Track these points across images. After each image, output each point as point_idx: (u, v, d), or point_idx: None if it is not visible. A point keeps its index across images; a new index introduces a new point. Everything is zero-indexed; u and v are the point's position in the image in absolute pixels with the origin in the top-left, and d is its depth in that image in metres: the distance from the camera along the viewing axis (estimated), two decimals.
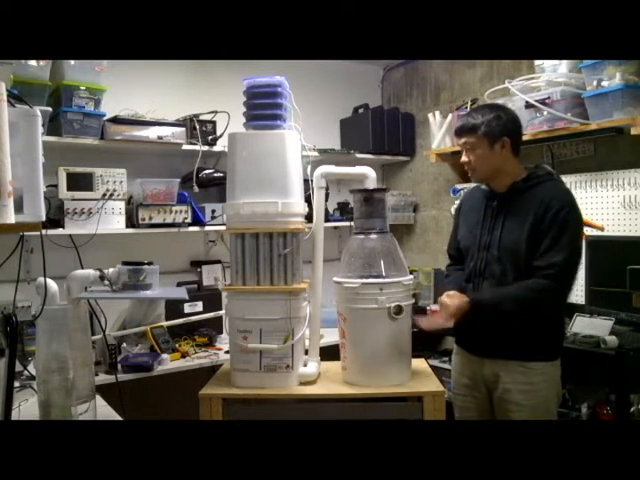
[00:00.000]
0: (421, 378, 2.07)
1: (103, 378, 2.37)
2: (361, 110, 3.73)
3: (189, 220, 2.93)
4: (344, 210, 3.53)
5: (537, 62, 2.71)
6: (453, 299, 1.89)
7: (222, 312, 2.82)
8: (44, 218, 1.30)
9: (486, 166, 1.96)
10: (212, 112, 3.06)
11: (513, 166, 1.97)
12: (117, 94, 2.84)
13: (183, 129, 2.95)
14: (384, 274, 2.00)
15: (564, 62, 2.57)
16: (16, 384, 1.83)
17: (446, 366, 2.93)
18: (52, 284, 1.79)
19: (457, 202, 2.47)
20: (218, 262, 3.31)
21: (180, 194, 2.92)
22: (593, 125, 2.47)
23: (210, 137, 3.02)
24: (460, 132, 1.99)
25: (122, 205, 2.77)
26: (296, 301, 2.04)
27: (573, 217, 1.86)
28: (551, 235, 1.83)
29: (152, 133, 2.86)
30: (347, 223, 2.75)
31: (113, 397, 2.08)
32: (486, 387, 2.00)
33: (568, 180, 2.77)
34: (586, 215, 2.69)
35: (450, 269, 2.22)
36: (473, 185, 2.19)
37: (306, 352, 2.15)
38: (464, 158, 2.00)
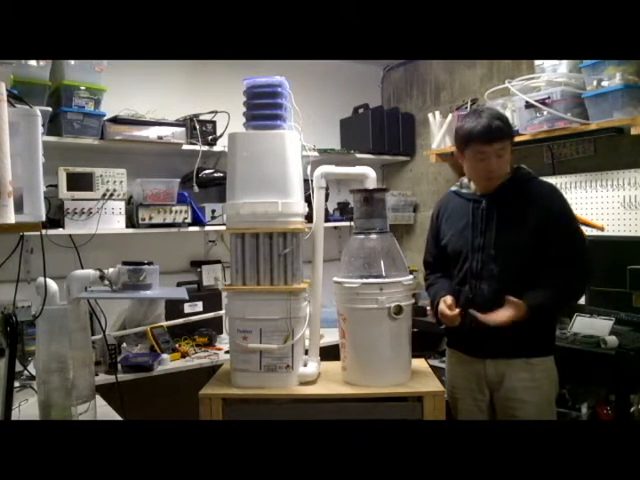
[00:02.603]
0: (421, 378, 2.06)
1: (103, 378, 2.37)
2: (361, 110, 3.73)
3: (189, 220, 2.93)
4: (344, 210, 3.53)
5: (537, 62, 2.71)
6: (506, 311, 1.84)
7: (222, 312, 2.82)
8: (44, 218, 1.30)
9: (505, 170, 1.94)
10: (212, 112, 3.06)
11: None
12: (117, 94, 2.84)
13: (183, 129, 2.95)
14: (384, 274, 2.00)
15: (564, 62, 2.57)
16: (16, 384, 1.83)
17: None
18: (52, 284, 1.79)
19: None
20: (218, 262, 3.31)
21: (180, 194, 2.92)
22: (593, 125, 2.46)
23: (210, 137, 3.02)
24: (493, 138, 1.86)
25: (122, 205, 2.76)
26: (296, 301, 2.04)
27: (569, 207, 1.98)
28: (563, 231, 1.90)
29: (152, 133, 2.86)
30: (347, 223, 2.75)
31: (113, 397, 2.08)
32: (489, 388, 1.99)
33: (568, 180, 2.78)
34: (586, 215, 2.69)
35: (432, 277, 2.15)
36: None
37: (306, 352, 2.15)
38: (495, 166, 1.89)
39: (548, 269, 1.89)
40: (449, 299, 1.95)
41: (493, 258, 1.93)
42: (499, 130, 1.87)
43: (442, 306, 1.96)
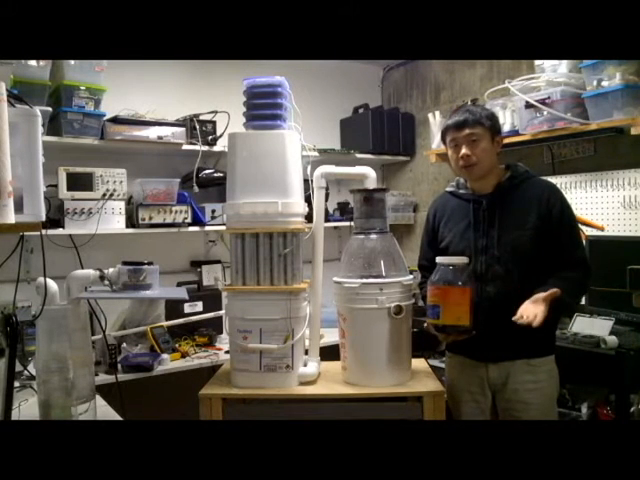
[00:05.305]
0: (421, 378, 2.06)
1: (103, 378, 2.37)
2: (361, 110, 3.73)
3: (189, 220, 2.93)
4: (344, 210, 3.53)
5: (537, 62, 2.71)
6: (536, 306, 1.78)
7: (222, 312, 2.82)
8: (44, 218, 1.30)
9: (488, 161, 1.95)
10: (212, 112, 3.06)
11: (498, 166, 2.01)
12: (117, 94, 2.84)
13: (183, 129, 2.96)
14: (384, 274, 2.00)
15: (564, 62, 2.57)
16: (16, 384, 1.83)
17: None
18: (52, 284, 1.79)
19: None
20: (218, 262, 3.31)
21: (180, 194, 2.92)
22: (593, 125, 2.47)
23: (210, 137, 3.02)
24: (463, 124, 1.93)
25: (122, 205, 2.77)
26: (296, 301, 2.03)
27: (570, 207, 1.98)
28: (566, 231, 1.92)
29: (152, 133, 2.86)
30: (347, 223, 2.74)
31: (113, 397, 2.08)
32: (491, 390, 1.99)
33: (568, 180, 2.78)
34: (586, 215, 2.69)
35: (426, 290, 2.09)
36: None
37: (306, 352, 2.15)
38: (465, 151, 1.93)
39: (554, 269, 1.89)
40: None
41: (497, 259, 1.92)
42: (471, 117, 1.94)
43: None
